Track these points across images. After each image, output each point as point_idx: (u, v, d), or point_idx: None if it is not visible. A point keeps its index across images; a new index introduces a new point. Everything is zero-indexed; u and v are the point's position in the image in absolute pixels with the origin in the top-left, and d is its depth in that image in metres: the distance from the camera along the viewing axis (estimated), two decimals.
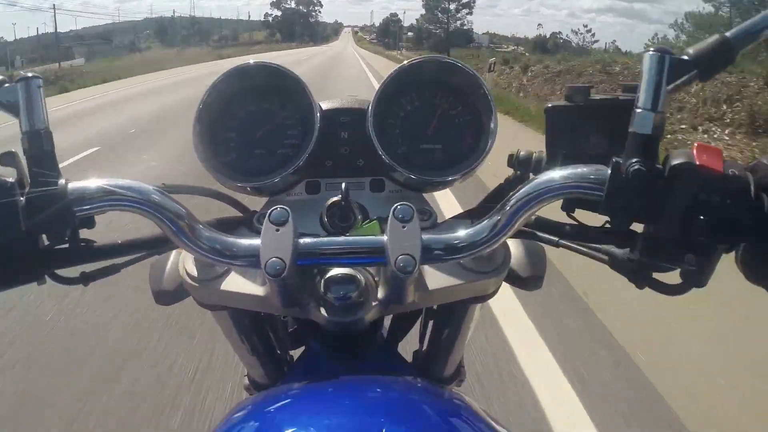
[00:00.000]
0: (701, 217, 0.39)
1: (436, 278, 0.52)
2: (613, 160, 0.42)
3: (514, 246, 0.58)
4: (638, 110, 0.41)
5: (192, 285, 0.53)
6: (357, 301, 0.47)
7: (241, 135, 0.61)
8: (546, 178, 0.44)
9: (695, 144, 0.41)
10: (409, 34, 79.19)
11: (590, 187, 0.42)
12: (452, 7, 67.43)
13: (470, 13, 68.39)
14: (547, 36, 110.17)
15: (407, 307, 0.50)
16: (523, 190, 0.44)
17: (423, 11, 72.82)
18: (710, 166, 0.39)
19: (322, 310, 0.47)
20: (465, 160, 0.59)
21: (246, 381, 0.75)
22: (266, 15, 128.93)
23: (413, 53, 43.48)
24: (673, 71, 0.41)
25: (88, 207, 0.44)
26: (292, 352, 0.72)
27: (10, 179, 0.42)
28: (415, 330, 0.70)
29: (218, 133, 0.61)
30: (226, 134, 0.61)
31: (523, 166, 0.54)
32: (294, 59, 30.79)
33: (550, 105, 0.50)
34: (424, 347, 0.70)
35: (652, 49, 0.42)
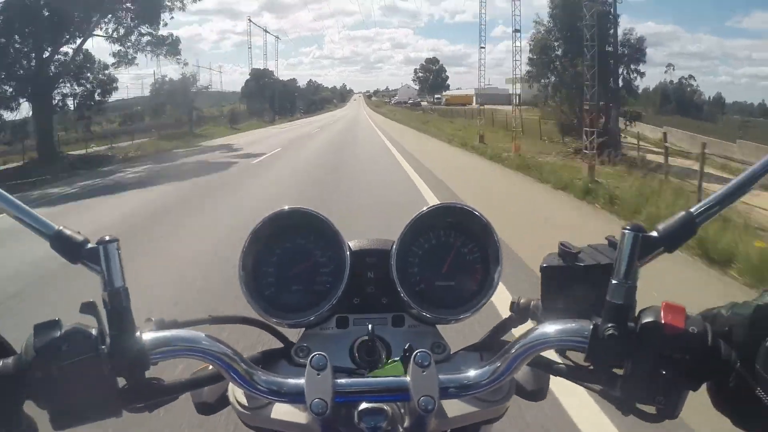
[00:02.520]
0: (664, 372, 0.46)
1: (453, 407, 0.60)
2: (593, 323, 0.49)
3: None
4: (614, 281, 0.49)
5: (241, 411, 0.60)
6: (386, 430, 0.53)
7: (279, 270, 0.69)
8: (539, 333, 0.52)
9: (663, 303, 0.48)
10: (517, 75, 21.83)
11: (576, 341, 0.50)
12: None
13: None
14: (672, 81, 55.71)
15: None
16: (521, 342, 0.52)
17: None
18: (674, 324, 0.46)
19: None
20: (474, 299, 0.67)
21: None
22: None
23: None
24: (644, 248, 0.48)
25: (156, 357, 0.50)
26: None
27: (93, 331, 0.48)
28: None
29: (260, 267, 0.68)
30: (267, 269, 0.69)
31: (522, 311, 0.63)
32: None
33: (545, 264, 0.57)
34: None
35: (628, 227, 0.49)
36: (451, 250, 0.69)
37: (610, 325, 0.48)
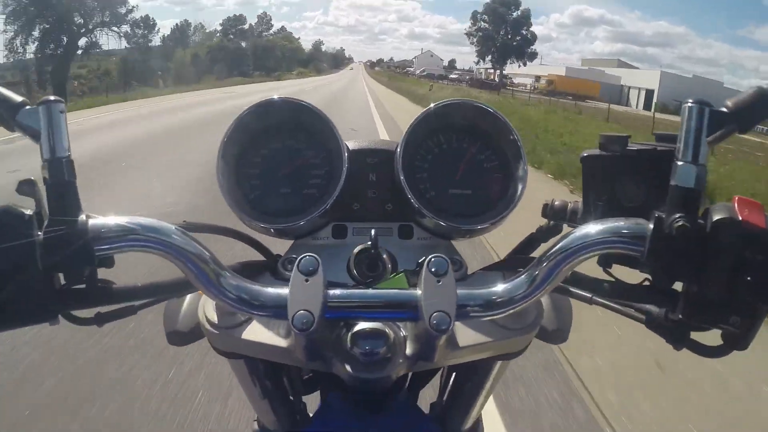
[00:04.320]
0: (747, 278, 0.38)
1: (465, 335, 0.50)
2: (656, 214, 0.40)
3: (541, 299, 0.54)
4: (679, 163, 0.40)
5: (211, 332, 0.51)
6: (384, 357, 0.45)
7: (265, 172, 0.61)
8: (583, 233, 0.42)
9: (735, 198, 0.40)
10: None
11: (630, 242, 0.41)
12: None
13: None
14: None
15: (435, 364, 0.49)
16: (561, 244, 0.42)
17: None
18: (753, 222, 0.38)
19: (347, 366, 0.45)
20: (494, 208, 0.59)
21: (255, 425, 0.70)
22: None
23: None
24: (713, 123, 0.40)
25: (108, 247, 0.41)
26: (305, 398, 0.68)
27: (29, 211, 0.39)
28: (435, 378, 0.68)
29: (242, 169, 0.60)
30: (251, 170, 0.60)
31: (557, 216, 0.53)
32: None
33: (586, 154, 0.49)
34: (444, 399, 0.68)
35: (691, 100, 0.41)
36: (465, 155, 0.61)
37: (678, 216, 0.39)
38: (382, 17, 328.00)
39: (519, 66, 53.33)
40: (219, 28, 53.47)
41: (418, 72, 72.38)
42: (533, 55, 53.25)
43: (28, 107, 0.42)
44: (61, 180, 0.40)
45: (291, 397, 0.65)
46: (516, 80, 57.86)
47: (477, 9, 53.83)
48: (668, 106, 48.64)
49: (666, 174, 0.41)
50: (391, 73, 76.66)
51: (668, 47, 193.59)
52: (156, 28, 48.38)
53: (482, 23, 52.26)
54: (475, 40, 53.39)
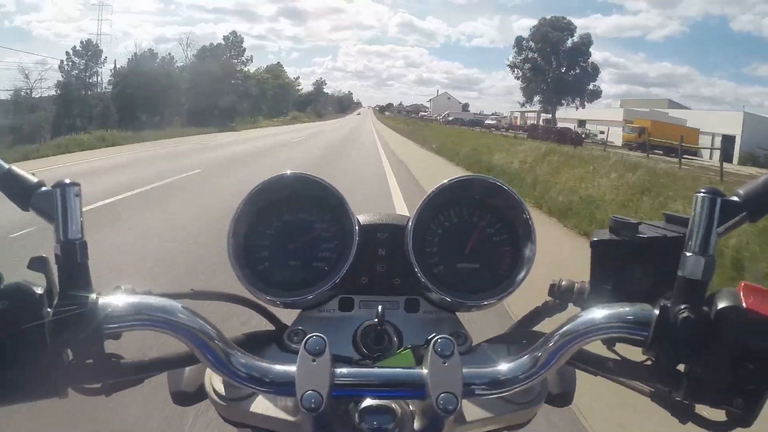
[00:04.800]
0: (750, 365, 0.39)
1: (472, 409, 0.51)
2: (661, 303, 0.41)
3: None
4: (688, 254, 0.41)
5: (218, 403, 0.52)
6: None
7: (275, 244, 0.62)
8: (589, 317, 0.43)
9: (742, 284, 0.40)
10: None
11: (634, 328, 0.42)
12: None
13: None
14: None
15: None
16: (566, 327, 0.44)
17: None
18: (758, 310, 0.39)
19: None
20: (501, 284, 0.59)
21: None
22: None
23: None
24: (724, 213, 0.41)
25: (116, 325, 0.42)
26: None
27: (39, 289, 0.40)
28: None
29: (253, 240, 0.61)
30: (262, 242, 0.61)
31: (564, 296, 0.54)
32: None
33: (596, 238, 0.50)
34: None
35: (703, 190, 0.41)
36: (475, 230, 0.62)
37: (683, 306, 0.40)
38: (390, 63, 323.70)
39: (576, 108, 42.01)
40: (193, 59, 42.72)
41: (440, 117, 61.33)
42: (595, 94, 42.05)
43: (43, 188, 0.43)
44: (73, 261, 0.42)
45: None
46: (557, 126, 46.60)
47: (522, 35, 42.52)
48: (758, 156, 36.97)
49: (674, 260, 0.41)
50: (404, 118, 65.62)
51: (672, 87, 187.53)
52: (102, 58, 37.63)
53: (529, 52, 40.78)
54: (519, 75, 41.78)
